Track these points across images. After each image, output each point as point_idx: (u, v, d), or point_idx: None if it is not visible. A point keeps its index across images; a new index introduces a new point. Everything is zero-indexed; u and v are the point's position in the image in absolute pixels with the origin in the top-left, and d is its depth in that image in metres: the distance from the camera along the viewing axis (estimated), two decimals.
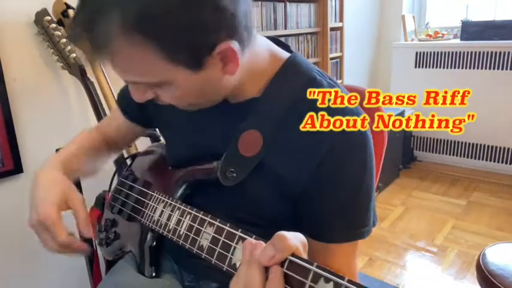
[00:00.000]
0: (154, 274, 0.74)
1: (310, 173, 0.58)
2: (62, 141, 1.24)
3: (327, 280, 0.36)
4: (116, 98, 0.87)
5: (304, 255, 0.40)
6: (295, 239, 0.40)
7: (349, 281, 0.35)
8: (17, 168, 1.29)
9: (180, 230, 0.60)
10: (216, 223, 0.53)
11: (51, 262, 1.43)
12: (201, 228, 0.55)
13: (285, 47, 0.67)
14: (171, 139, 0.77)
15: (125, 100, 0.82)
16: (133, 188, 0.78)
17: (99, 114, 1.28)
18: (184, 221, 0.59)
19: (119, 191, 0.81)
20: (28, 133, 1.31)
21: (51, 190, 0.65)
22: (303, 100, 0.60)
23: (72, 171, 0.73)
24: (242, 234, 0.48)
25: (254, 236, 0.45)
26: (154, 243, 0.73)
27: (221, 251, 0.50)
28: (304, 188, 0.59)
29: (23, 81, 1.28)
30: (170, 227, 0.62)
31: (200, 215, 0.57)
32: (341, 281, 0.35)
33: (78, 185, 1.24)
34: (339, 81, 2.73)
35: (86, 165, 0.81)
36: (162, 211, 0.65)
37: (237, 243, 0.48)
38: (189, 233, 0.57)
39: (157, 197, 0.69)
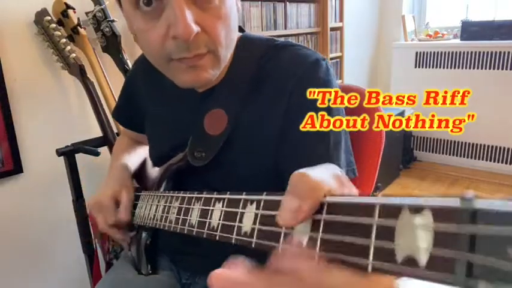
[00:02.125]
0: (150, 272, 0.75)
1: (278, 131, 0.61)
2: (62, 141, 1.25)
3: (417, 210, 0.23)
4: (112, 116, 0.92)
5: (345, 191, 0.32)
6: (324, 174, 0.31)
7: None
8: (17, 168, 1.29)
9: (157, 215, 0.62)
10: (180, 195, 0.55)
11: (51, 262, 1.43)
12: (170, 204, 0.58)
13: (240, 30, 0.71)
14: (153, 137, 0.79)
15: (122, 119, 0.89)
16: None
17: (99, 114, 1.28)
18: (159, 205, 0.62)
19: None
20: (28, 133, 1.31)
21: (112, 186, 0.74)
22: (263, 66, 0.63)
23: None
24: (197, 195, 0.50)
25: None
26: (149, 241, 0.75)
27: (183, 217, 0.52)
28: (277, 145, 0.61)
29: (23, 81, 1.28)
30: (151, 215, 0.64)
31: (170, 194, 0.59)
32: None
33: (80, 192, 1.24)
34: (339, 82, 2.73)
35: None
36: (146, 205, 0.68)
37: (193, 205, 0.50)
38: (162, 214, 0.59)
39: (143, 195, 0.71)
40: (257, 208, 0.37)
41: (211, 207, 0.46)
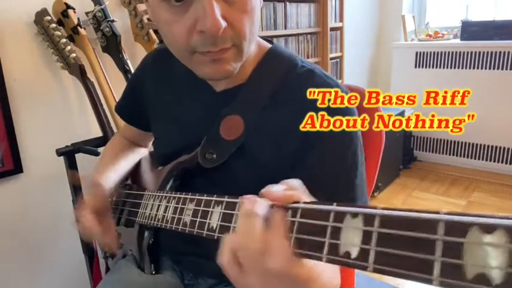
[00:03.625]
0: (154, 272, 0.75)
1: (293, 154, 0.60)
2: (62, 141, 1.25)
3: (355, 215, 0.30)
4: (116, 111, 0.90)
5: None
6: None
7: (383, 208, 0.30)
8: (17, 168, 1.29)
9: (167, 216, 0.61)
10: (196, 197, 0.55)
11: (51, 262, 1.43)
12: (184, 206, 0.57)
13: (269, 42, 0.70)
14: (162, 135, 0.79)
15: (125, 114, 0.88)
16: (129, 195, 0.80)
17: (99, 114, 1.28)
18: (170, 206, 0.62)
19: (116, 202, 0.83)
20: (28, 133, 1.31)
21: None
22: (285, 86, 0.63)
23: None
24: (217, 199, 0.50)
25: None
26: (152, 240, 0.74)
27: (201, 220, 0.52)
28: (287, 170, 0.60)
29: (23, 81, 1.28)
30: (159, 216, 0.64)
31: (182, 196, 0.59)
32: (373, 211, 0.30)
33: (80, 192, 1.24)
34: (339, 81, 2.73)
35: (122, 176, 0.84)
36: (152, 205, 0.67)
37: (213, 208, 0.50)
38: (174, 215, 0.59)
39: (148, 195, 0.71)
40: (293, 216, 0.38)
41: (235, 212, 0.45)
